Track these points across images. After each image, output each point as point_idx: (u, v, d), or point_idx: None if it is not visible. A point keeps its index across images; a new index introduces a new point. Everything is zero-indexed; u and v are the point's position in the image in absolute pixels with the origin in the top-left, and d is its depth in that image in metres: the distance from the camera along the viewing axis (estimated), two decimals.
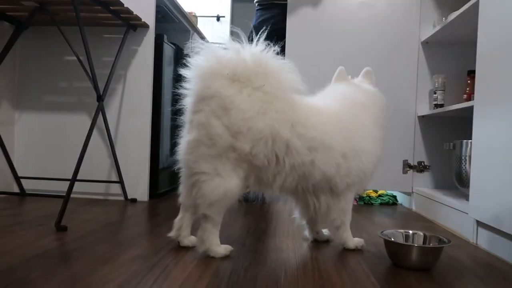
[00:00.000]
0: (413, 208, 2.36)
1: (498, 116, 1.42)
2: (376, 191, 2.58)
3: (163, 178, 2.41)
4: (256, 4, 2.57)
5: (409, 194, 2.44)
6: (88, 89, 2.23)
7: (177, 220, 1.36)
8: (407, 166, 2.36)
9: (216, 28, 4.83)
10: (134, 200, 2.22)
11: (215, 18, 4.93)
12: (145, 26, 2.21)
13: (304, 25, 2.43)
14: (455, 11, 1.97)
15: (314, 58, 2.40)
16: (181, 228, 1.34)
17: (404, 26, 2.39)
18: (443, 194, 2.07)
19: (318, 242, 1.49)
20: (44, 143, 2.29)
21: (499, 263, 1.33)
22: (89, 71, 1.84)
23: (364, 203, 2.51)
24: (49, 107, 2.30)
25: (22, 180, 2.25)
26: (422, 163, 2.34)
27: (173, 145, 1.36)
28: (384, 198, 2.53)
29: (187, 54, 2.66)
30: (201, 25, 3.86)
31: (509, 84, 1.36)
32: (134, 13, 2.04)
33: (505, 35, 1.40)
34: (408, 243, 1.31)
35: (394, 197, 2.59)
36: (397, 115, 2.37)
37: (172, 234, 1.35)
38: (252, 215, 1.95)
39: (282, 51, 1.27)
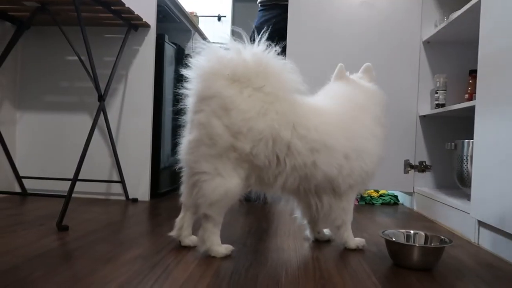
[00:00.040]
0: (415, 208, 2.36)
1: (500, 116, 1.42)
2: (377, 191, 2.58)
3: (164, 177, 2.41)
4: (259, 4, 2.58)
5: (410, 194, 2.44)
6: (89, 89, 2.23)
7: (178, 219, 1.36)
8: (408, 166, 2.36)
9: (217, 28, 4.83)
10: (135, 200, 2.22)
11: (216, 18, 4.93)
12: (146, 26, 2.21)
13: (305, 25, 2.43)
14: (456, 10, 1.97)
15: (315, 58, 2.39)
16: (182, 227, 1.34)
17: (405, 26, 2.39)
18: (445, 194, 2.07)
19: (319, 242, 1.49)
20: (46, 143, 2.30)
21: (500, 263, 1.33)
22: (90, 71, 1.84)
23: (365, 203, 2.51)
24: (50, 107, 2.30)
25: (24, 180, 2.25)
26: (424, 163, 2.34)
27: (174, 144, 1.36)
28: (385, 198, 2.53)
29: (188, 54, 2.67)
30: (202, 25, 3.86)
31: (511, 83, 1.36)
32: (136, 13, 2.05)
33: (507, 35, 1.40)
34: (410, 243, 1.31)
35: (396, 197, 2.58)
36: (398, 114, 2.36)
37: (173, 233, 1.35)
38: (253, 215, 1.95)
39: (283, 52, 1.27)
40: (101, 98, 1.92)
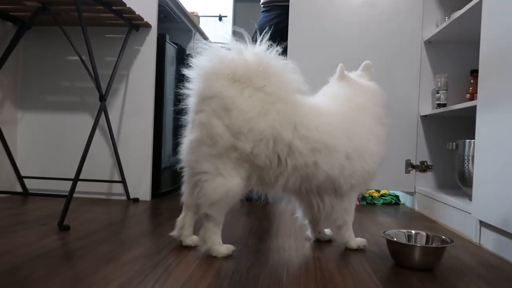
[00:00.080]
0: (416, 208, 2.36)
1: (501, 116, 1.41)
2: (378, 191, 2.58)
3: (165, 177, 2.41)
4: (262, 5, 2.59)
5: (411, 194, 2.44)
6: (90, 89, 2.24)
7: (179, 219, 1.36)
8: (409, 165, 2.36)
9: (218, 28, 4.84)
10: (136, 200, 2.22)
11: (217, 18, 4.94)
12: (148, 26, 2.21)
13: (306, 26, 2.43)
14: (458, 10, 1.97)
15: (316, 58, 2.39)
16: (183, 227, 1.34)
17: (406, 26, 2.39)
18: (446, 194, 2.07)
19: (321, 242, 1.49)
20: (47, 143, 2.30)
21: (502, 264, 1.32)
22: (91, 71, 1.84)
23: (366, 203, 2.51)
24: (51, 107, 2.31)
25: (25, 180, 2.26)
26: (425, 163, 2.33)
27: (175, 144, 1.36)
28: (386, 198, 2.53)
29: (189, 54, 2.67)
30: (203, 25, 3.86)
31: None
32: (137, 13, 2.05)
33: (508, 34, 1.40)
34: (411, 243, 1.31)
35: (397, 197, 2.58)
36: (399, 114, 2.36)
37: (174, 233, 1.35)
38: (255, 214, 1.95)
39: (285, 52, 1.27)
40: (102, 98, 1.92)
